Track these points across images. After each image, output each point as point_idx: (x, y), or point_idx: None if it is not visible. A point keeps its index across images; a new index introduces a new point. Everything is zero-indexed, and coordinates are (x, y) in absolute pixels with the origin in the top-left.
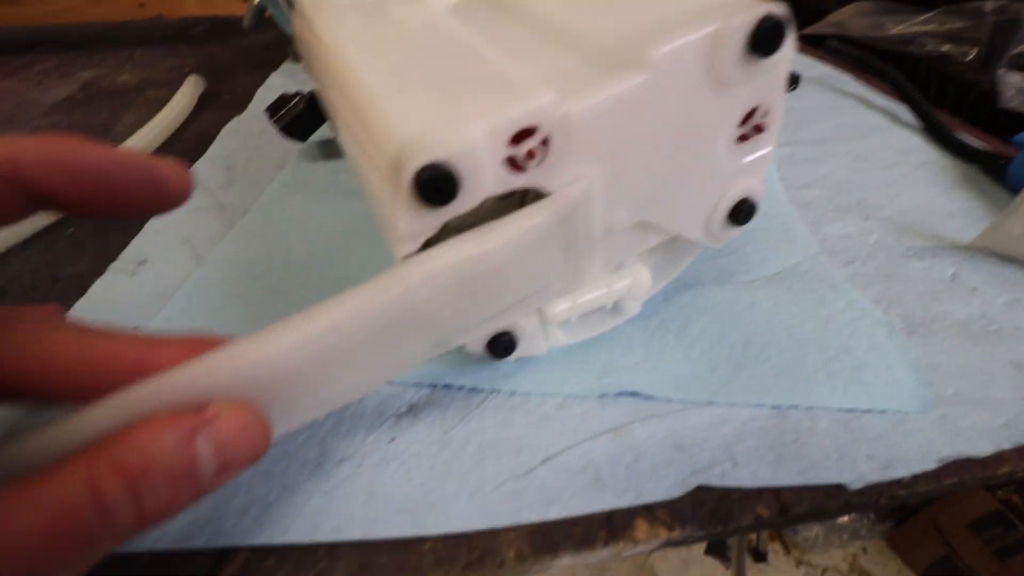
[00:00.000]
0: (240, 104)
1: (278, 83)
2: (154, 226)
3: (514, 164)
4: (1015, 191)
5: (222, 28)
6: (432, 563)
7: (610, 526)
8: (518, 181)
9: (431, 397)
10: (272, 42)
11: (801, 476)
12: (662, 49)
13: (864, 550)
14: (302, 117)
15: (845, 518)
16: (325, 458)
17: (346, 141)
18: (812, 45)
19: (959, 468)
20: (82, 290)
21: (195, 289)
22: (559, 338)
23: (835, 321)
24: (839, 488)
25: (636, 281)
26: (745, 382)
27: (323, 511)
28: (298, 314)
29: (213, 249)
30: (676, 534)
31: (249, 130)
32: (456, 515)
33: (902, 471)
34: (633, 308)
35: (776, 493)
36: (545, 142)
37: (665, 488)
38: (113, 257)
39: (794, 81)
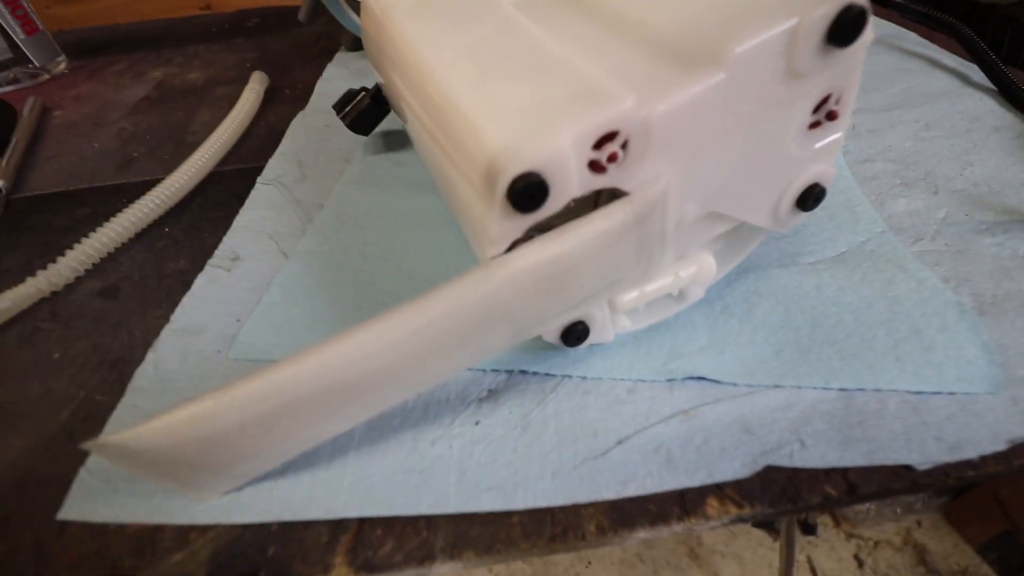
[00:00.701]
0: (302, 98)
1: (334, 74)
2: (241, 223)
3: (596, 166)
4: None
5: (275, 19)
6: (520, 535)
7: (683, 503)
8: (599, 182)
9: (508, 382)
10: (324, 32)
11: (868, 457)
12: (742, 47)
13: (919, 524)
14: (367, 112)
15: None
16: (419, 440)
17: (423, 142)
18: (875, 2)
19: None
20: (186, 285)
21: (285, 283)
22: (626, 325)
23: (903, 302)
24: (907, 469)
25: (701, 268)
26: (812, 365)
27: (421, 488)
28: (398, 308)
29: (296, 244)
30: (746, 511)
31: (314, 124)
32: (540, 492)
33: (971, 452)
34: (697, 294)
35: (843, 473)
36: (624, 144)
37: (735, 468)
38: (208, 254)
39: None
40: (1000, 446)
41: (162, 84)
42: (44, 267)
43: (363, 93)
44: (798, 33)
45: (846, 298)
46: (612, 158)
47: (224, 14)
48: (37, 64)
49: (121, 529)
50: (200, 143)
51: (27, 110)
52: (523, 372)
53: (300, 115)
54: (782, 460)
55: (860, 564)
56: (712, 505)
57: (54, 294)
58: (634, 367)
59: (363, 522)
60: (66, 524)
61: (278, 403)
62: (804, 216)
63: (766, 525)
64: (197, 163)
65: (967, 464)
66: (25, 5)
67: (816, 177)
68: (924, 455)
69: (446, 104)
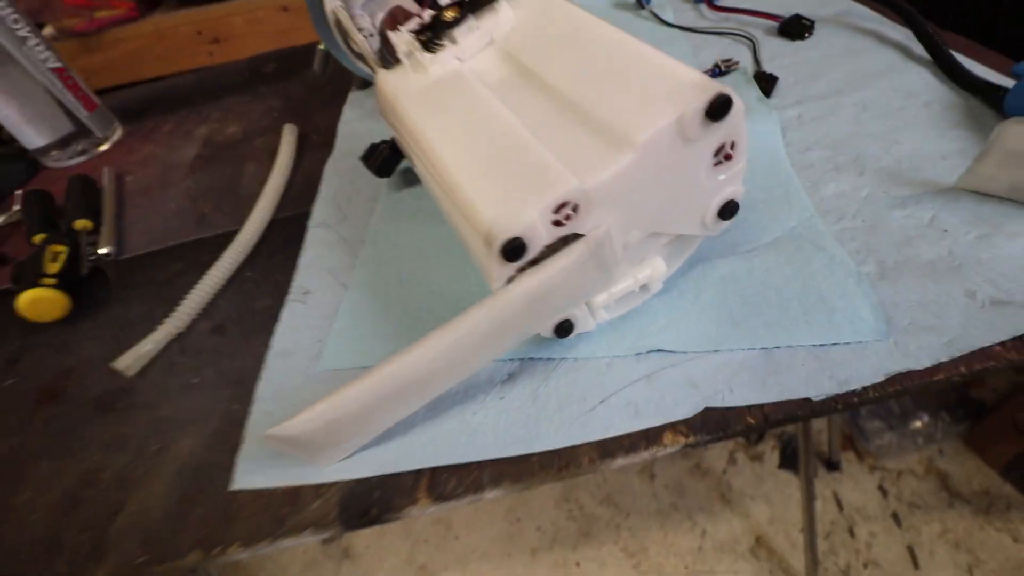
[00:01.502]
0: (327, 142)
1: (351, 116)
2: (304, 263)
3: (557, 223)
4: None
5: (287, 62)
6: (538, 468)
7: (647, 438)
8: (561, 232)
9: (521, 367)
10: (333, 75)
11: (779, 394)
12: (643, 136)
13: (940, 452)
14: (387, 160)
15: (918, 423)
16: (464, 412)
17: (436, 195)
18: None
19: (901, 379)
20: (273, 318)
21: (348, 310)
22: (603, 316)
23: (816, 276)
24: (807, 400)
25: (654, 269)
26: (742, 333)
27: (469, 444)
28: (443, 327)
29: (349, 276)
30: (691, 440)
31: (342, 167)
32: (549, 440)
33: (855, 385)
34: (656, 286)
35: (760, 408)
36: (575, 207)
37: (683, 411)
38: (284, 290)
39: (809, 28)
40: (878, 378)
41: (208, 140)
42: (165, 315)
43: (383, 145)
44: (683, 120)
45: (771, 278)
46: (567, 217)
47: (242, 62)
48: (99, 135)
49: (274, 490)
50: (251, 194)
51: (106, 180)
52: (531, 359)
53: (330, 160)
54: (716, 402)
55: (884, 494)
56: (667, 437)
57: (179, 335)
58: (611, 347)
59: (434, 470)
60: (236, 493)
61: (373, 398)
62: (727, 224)
63: (790, 466)
64: (260, 215)
65: (852, 393)
66: (82, 86)
67: (728, 196)
68: (820, 390)
69: (454, 184)
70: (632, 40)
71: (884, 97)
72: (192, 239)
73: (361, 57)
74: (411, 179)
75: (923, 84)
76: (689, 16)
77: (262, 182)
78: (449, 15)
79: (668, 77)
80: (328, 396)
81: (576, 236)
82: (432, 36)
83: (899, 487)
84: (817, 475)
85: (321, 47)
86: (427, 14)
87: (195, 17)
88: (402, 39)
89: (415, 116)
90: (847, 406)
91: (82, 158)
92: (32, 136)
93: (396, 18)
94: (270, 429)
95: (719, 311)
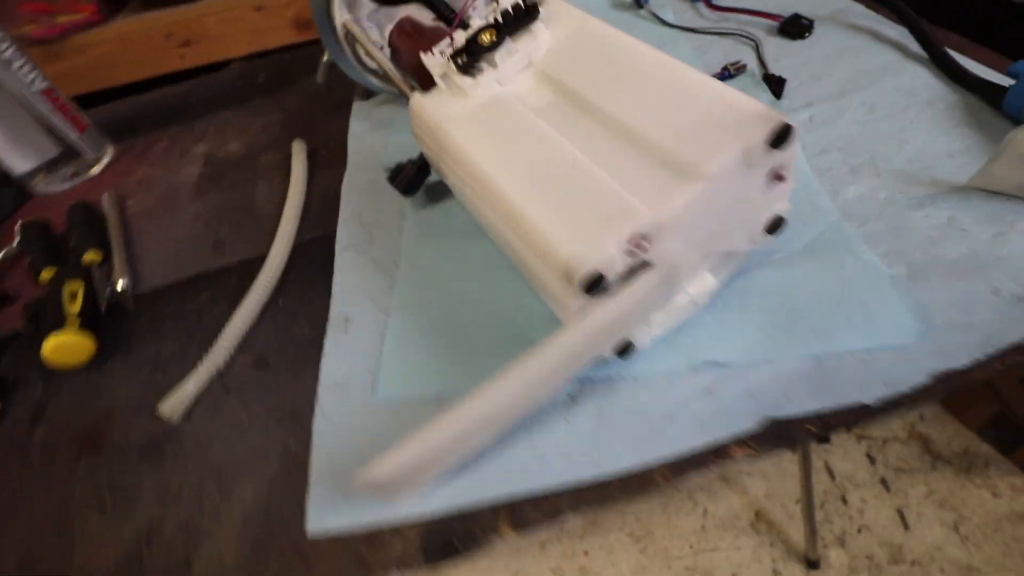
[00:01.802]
0: (338, 156)
1: (359, 129)
2: (338, 289)
3: (631, 253)
4: (1013, 120)
5: (279, 71)
6: (617, 490)
7: (716, 452)
8: (632, 261)
9: (582, 389)
10: (332, 84)
11: (834, 401)
12: (712, 167)
13: (921, 417)
14: (415, 179)
15: None
16: (533, 439)
17: (489, 221)
18: None
19: (946, 378)
20: (317, 348)
21: (395, 335)
22: (657, 332)
23: (853, 281)
24: (864, 406)
25: (703, 284)
26: (791, 341)
27: (543, 471)
28: (523, 360)
29: (389, 299)
30: (757, 451)
31: (360, 183)
32: (622, 461)
33: (903, 386)
34: (704, 300)
35: (819, 416)
36: (647, 237)
37: (746, 423)
38: (321, 317)
39: (808, 27)
40: (924, 380)
41: (210, 159)
42: (201, 351)
43: (409, 164)
44: (749, 149)
45: (810, 285)
46: (640, 247)
47: (231, 71)
48: (91, 156)
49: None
50: (268, 215)
51: (108, 206)
52: (591, 380)
53: (347, 177)
54: (776, 412)
55: (872, 461)
56: (735, 451)
57: (219, 372)
58: (666, 363)
59: (512, 499)
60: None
61: (457, 435)
62: (773, 238)
63: None
64: (284, 239)
65: (903, 396)
66: (70, 105)
67: (776, 212)
68: (872, 394)
69: (520, 215)
70: (677, 63)
71: (888, 97)
72: (215, 267)
73: (375, 71)
74: (435, 195)
75: (923, 83)
76: (688, 16)
77: (278, 202)
78: (486, 39)
79: (727, 105)
80: (414, 435)
81: (645, 262)
82: (470, 60)
83: (885, 453)
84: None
85: (325, 58)
86: (460, 35)
87: (163, 19)
88: (436, 62)
89: (464, 143)
90: (901, 408)
91: (74, 182)
92: (18, 161)
93: (405, 29)
94: (361, 475)
95: (766, 320)
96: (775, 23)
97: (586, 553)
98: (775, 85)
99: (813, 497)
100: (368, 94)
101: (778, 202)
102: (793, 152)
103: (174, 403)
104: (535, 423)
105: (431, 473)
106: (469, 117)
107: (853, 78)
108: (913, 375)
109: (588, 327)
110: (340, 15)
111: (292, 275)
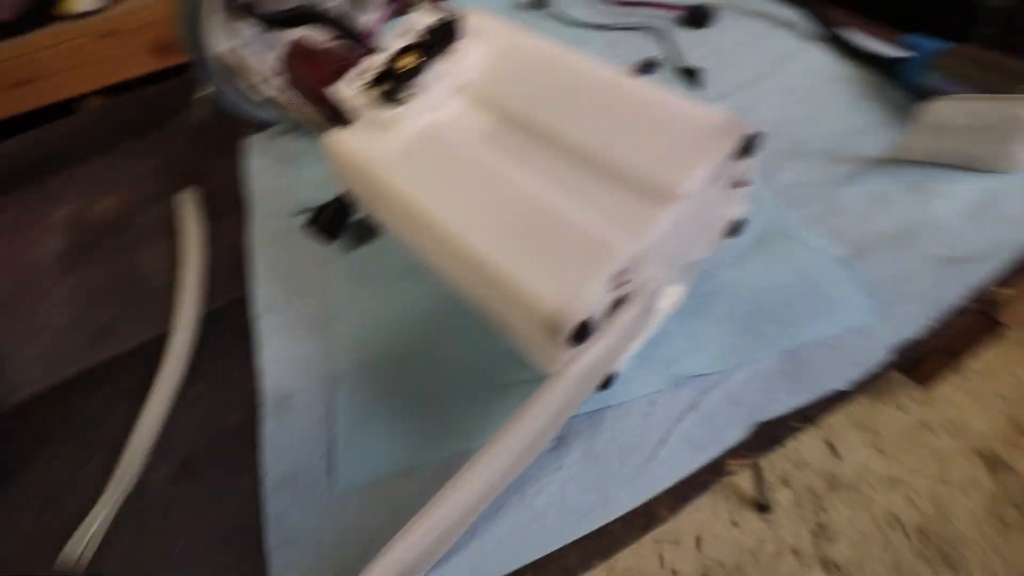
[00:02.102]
0: (234, 203)
1: (260, 166)
2: (267, 362)
3: (613, 290)
4: (913, 91)
5: (146, 106)
6: (622, 534)
7: (713, 470)
8: (614, 295)
9: (566, 428)
10: (213, 120)
11: (813, 393)
12: (684, 186)
13: None
14: (337, 221)
15: None
16: (524, 496)
17: (442, 267)
18: None
19: (903, 348)
20: (253, 439)
21: (345, 408)
22: (631, 351)
23: (806, 270)
24: (840, 392)
25: (674, 295)
26: (761, 341)
27: (541, 532)
28: (512, 423)
29: (329, 365)
30: (751, 459)
31: (270, 231)
32: (623, 501)
33: (870, 364)
34: (673, 310)
35: (800, 409)
36: (628, 270)
37: (737, 433)
38: (251, 398)
39: (711, 16)
40: (884, 353)
41: (75, 224)
42: (106, 468)
43: (328, 206)
44: (720, 163)
45: (768, 279)
46: (623, 283)
47: (90, 113)
48: None
49: None
50: (163, 286)
51: None
52: (575, 416)
53: (252, 227)
54: (762, 416)
55: None
56: (731, 463)
57: (133, 492)
58: (645, 384)
59: (513, 572)
60: None
61: (448, 524)
62: (733, 240)
63: None
64: (188, 313)
65: (870, 374)
66: None
67: (738, 215)
68: (846, 378)
69: (483, 262)
70: (624, 76)
71: (796, 79)
72: (104, 358)
73: (265, 102)
74: (361, 234)
75: (822, 63)
76: (590, 12)
77: (170, 269)
78: (409, 61)
79: (687, 119)
80: (398, 539)
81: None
82: (394, 87)
83: None
84: None
85: (200, 93)
86: (374, 59)
87: None
88: (350, 94)
89: (405, 186)
90: (872, 383)
91: None
92: None
93: (299, 54)
94: None
95: (734, 324)
96: (680, 14)
97: None
98: (692, 77)
99: None
100: (261, 126)
101: (740, 205)
102: (757, 160)
103: (77, 546)
104: (525, 478)
105: (423, 569)
106: (403, 153)
107: (760, 66)
108: (875, 352)
109: (577, 374)
110: (216, 44)
111: (205, 354)
